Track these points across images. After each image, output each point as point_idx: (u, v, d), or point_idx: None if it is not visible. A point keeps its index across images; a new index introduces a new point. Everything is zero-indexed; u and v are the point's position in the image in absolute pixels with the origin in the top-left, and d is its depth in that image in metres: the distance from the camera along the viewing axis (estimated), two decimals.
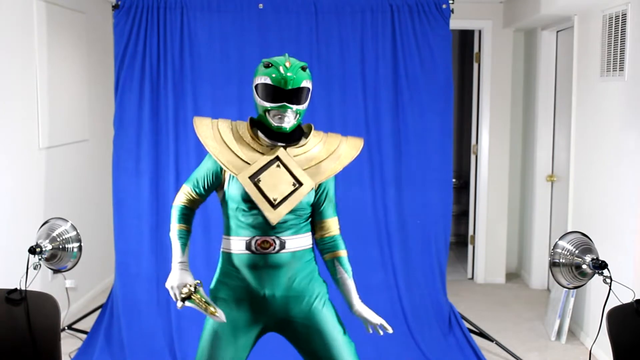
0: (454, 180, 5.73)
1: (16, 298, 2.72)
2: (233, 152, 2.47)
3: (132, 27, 4.29)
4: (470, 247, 6.06)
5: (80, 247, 2.99)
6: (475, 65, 5.88)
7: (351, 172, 4.38)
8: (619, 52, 3.97)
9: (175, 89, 4.34)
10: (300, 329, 2.51)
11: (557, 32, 5.44)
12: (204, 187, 2.55)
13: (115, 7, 4.30)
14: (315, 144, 2.56)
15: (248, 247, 2.45)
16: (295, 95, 2.42)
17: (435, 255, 4.52)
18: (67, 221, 3.02)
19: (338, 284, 2.58)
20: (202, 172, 2.56)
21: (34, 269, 2.79)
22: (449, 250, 4.62)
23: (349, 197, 4.26)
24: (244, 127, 2.54)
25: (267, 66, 2.43)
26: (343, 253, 2.60)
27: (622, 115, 3.98)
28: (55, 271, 3.27)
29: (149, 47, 4.32)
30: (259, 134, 2.51)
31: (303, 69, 2.44)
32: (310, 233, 2.57)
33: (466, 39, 7.01)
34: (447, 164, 4.54)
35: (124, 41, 4.29)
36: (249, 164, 2.44)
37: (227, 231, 2.51)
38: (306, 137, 2.54)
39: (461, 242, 7.19)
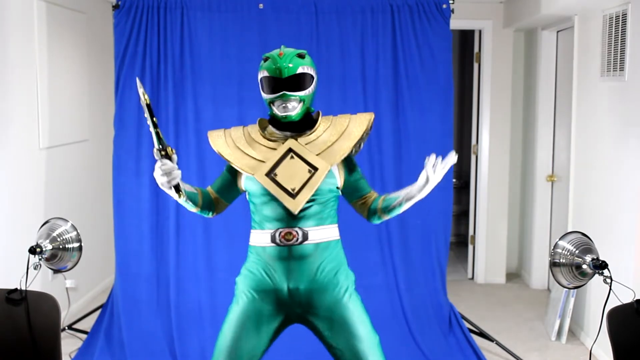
0: (454, 180, 5.73)
1: (16, 298, 2.73)
2: (247, 154, 2.53)
3: (132, 27, 4.29)
4: (470, 247, 6.06)
5: (80, 247, 2.99)
6: (476, 65, 5.88)
7: None
8: (619, 52, 3.97)
9: (175, 89, 4.34)
10: (323, 322, 2.52)
11: (558, 32, 5.44)
12: (222, 192, 2.63)
13: (115, 7, 4.30)
14: (325, 128, 2.60)
15: (273, 239, 2.49)
16: (293, 83, 2.47)
17: (436, 255, 4.52)
18: (67, 221, 3.02)
19: (402, 201, 2.53)
20: (220, 180, 2.64)
21: (34, 269, 2.80)
22: (449, 250, 4.62)
23: None
24: (254, 127, 2.62)
25: (265, 60, 2.51)
26: (383, 196, 2.61)
27: (622, 115, 3.98)
28: (56, 271, 3.27)
29: (149, 47, 4.32)
30: (270, 128, 2.58)
31: (300, 56, 2.50)
32: (336, 225, 2.59)
33: (466, 39, 7.01)
34: None
35: (124, 41, 4.29)
36: (261, 161, 2.50)
37: (254, 225, 2.57)
38: (315, 124, 2.59)
39: (461, 242, 7.19)
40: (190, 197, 2.50)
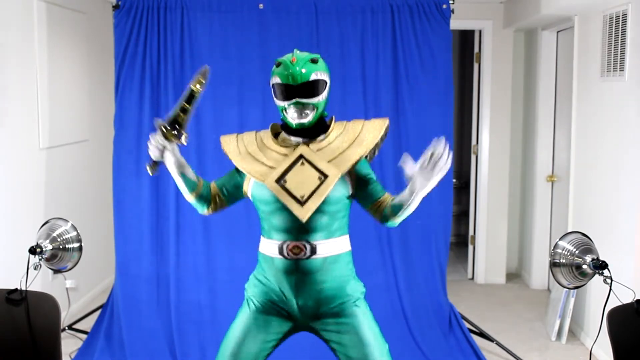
0: (454, 180, 5.73)
1: (16, 298, 2.73)
2: (258, 160, 2.48)
3: (132, 27, 4.29)
4: (470, 247, 6.06)
5: (80, 247, 2.99)
6: (476, 66, 5.88)
7: None
8: (619, 52, 3.97)
9: (175, 89, 4.33)
10: (332, 331, 2.47)
11: (558, 32, 5.44)
12: (225, 191, 2.56)
13: (115, 7, 4.30)
14: (338, 134, 2.53)
15: (280, 251, 2.43)
16: (306, 89, 2.40)
17: (436, 255, 4.51)
18: (67, 221, 3.02)
19: (406, 196, 2.47)
20: (226, 179, 2.58)
21: (34, 269, 2.80)
22: (449, 250, 4.62)
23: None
24: (267, 132, 2.57)
25: (277, 65, 2.44)
26: (392, 198, 2.52)
27: (622, 115, 3.98)
28: (56, 271, 3.27)
29: (149, 47, 4.32)
30: (283, 134, 2.53)
31: (313, 61, 2.42)
32: (346, 235, 2.52)
33: (466, 39, 7.01)
34: None
35: (124, 41, 4.29)
36: (272, 167, 2.44)
37: (262, 232, 2.51)
38: (327, 130, 2.53)
39: (461, 242, 7.19)
40: (189, 182, 2.45)
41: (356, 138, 2.52)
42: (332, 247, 2.45)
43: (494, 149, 5.83)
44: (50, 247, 2.91)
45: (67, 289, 4.40)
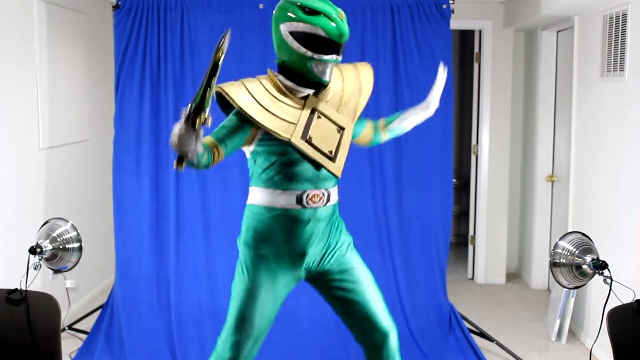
0: (454, 180, 5.73)
1: (16, 298, 2.72)
2: (273, 114, 2.35)
3: (132, 27, 4.29)
4: (470, 247, 6.06)
5: (80, 247, 2.99)
6: (476, 66, 5.87)
7: (351, 172, 4.36)
8: (619, 52, 3.97)
9: (175, 89, 4.34)
10: (336, 277, 2.49)
11: (558, 32, 5.44)
12: (226, 142, 2.34)
13: (115, 7, 4.30)
14: (335, 80, 2.52)
15: (299, 201, 2.39)
16: (341, 48, 2.37)
17: (436, 255, 4.51)
18: (67, 221, 3.02)
19: (405, 125, 2.77)
20: (227, 132, 2.34)
21: (34, 269, 2.80)
22: (449, 250, 4.62)
23: (349, 197, 4.26)
24: (269, 82, 2.44)
25: (311, 13, 2.31)
26: (382, 120, 2.73)
27: (622, 115, 3.98)
28: (56, 271, 3.27)
29: (149, 47, 4.32)
30: (293, 86, 2.41)
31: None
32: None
33: (466, 39, 7.01)
34: (448, 164, 4.53)
35: (124, 41, 4.29)
36: (291, 122, 2.36)
37: (270, 184, 2.40)
38: None
39: (461, 242, 7.19)
40: (200, 156, 2.21)
41: (354, 84, 2.55)
42: (336, 194, 2.51)
43: (494, 149, 5.83)
44: (50, 247, 2.91)
45: (67, 289, 4.40)
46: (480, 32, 5.79)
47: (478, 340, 4.34)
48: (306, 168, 2.39)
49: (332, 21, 2.32)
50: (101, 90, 5.32)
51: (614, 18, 4.02)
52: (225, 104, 2.47)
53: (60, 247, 2.94)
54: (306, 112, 2.38)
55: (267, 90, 2.41)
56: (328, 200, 2.44)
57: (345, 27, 2.33)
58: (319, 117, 2.40)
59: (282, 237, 2.41)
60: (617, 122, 4.04)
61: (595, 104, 4.36)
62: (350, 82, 2.54)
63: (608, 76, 4.12)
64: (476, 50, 5.85)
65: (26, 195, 4.26)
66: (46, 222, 3.02)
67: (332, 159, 2.39)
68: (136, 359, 3.99)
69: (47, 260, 2.93)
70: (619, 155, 4.01)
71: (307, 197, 2.39)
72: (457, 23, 5.07)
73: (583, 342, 4.51)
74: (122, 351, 4.05)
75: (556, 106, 5.51)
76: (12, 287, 2.76)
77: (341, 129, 2.44)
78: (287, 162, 2.38)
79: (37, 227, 3.07)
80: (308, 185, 2.39)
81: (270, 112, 2.35)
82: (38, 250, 2.84)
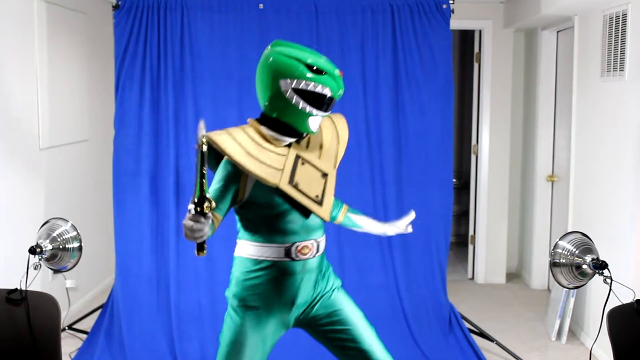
0: (454, 180, 5.73)
1: (16, 298, 2.73)
2: (261, 161, 2.32)
3: (132, 27, 4.29)
4: (470, 247, 6.06)
5: (80, 247, 3.00)
6: (476, 65, 5.88)
7: (351, 172, 4.38)
8: (619, 52, 3.97)
9: (175, 89, 4.34)
10: (325, 321, 2.48)
11: (558, 32, 5.44)
12: (221, 207, 2.32)
13: (115, 7, 4.30)
14: None
15: (288, 254, 2.38)
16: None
17: (436, 255, 4.51)
18: (67, 221, 3.02)
19: (361, 224, 2.81)
20: (218, 194, 2.32)
21: (34, 269, 2.80)
22: (449, 250, 4.62)
23: (349, 197, 4.26)
24: (253, 130, 2.41)
25: (319, 72, 2.31)
26: (346, 206, 2.78)
27: (622, 115, 3.98)
28: (56, 271, 3.28)
29: (149, 47, 4.32)
30: (277, 136, 2.39)
31: None
32: None
33: (466, 39, 7.02)
34: (448, 164, 4.53)
35: (124, 41, 4.29)
36: (277, 169, 2.33)
37: (257, 238, 2.40)
38: None
39: (461, 242, 7.19)
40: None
41: (332, 132, 2.56)
42: (324, 243, 2.52)
43: (494, 149, 5.83)
44: (50, 247, 2.91)
45: (67, 289, 4.40)
46: (480, 32, 5.79)
47: (478, 340, 4.34)
48: (295, 218, 2.38)
49: (334, 79, 2.34)
50: (101, 90, 5.32)
51: (614, 18, 4.02)
52: (210, 154, 2.41)
53: (60, 247, 2.94)
54: (291, 159, 2.38)
55: (251, 138, 2.38)
56: (317, 250, 2.45)
57: (343, 85, 2.38)
58: (303, 163, 2.40)
59: (271, 289, 2.41)
60: (617, 122, 4.04)
61: (595, 104, 4.36)
62: (328, 130, 2.55)
63: (608, 76, 4.12)
64: (476, 50, 5.85)
65: (26, 195, 4.27)
66: (46, 222, 3.02)
67: (320, 203, 2.39)
68: (136, 359, 3.99)
69: (47, 260, 2.93)
70: (619, 155, 4.01)
71: (296, 250, 2.39)
72: (457, 23, 5.07)
73: (583, 342, 4.51)
74: (122, 351, 4.05)
75: (556, 106, 5.51)
76: (12, 287, 2.76)
77: (325, 174, 2.44)
78: (275, 215, 2.37)
79: (37, 227, 3.07)
80: (296, 237, 2.39)
81: (257, 159, 2.33)
82: (38, 250, 2.84)
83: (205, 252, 2.20)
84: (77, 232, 3.00)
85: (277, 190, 2.34)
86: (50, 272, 4.43)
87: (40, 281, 4.20)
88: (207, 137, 2.29)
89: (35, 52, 4.32)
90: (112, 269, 5.20)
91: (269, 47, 2.41)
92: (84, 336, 4.31)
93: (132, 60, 4.31)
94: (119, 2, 4.29)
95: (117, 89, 4.34)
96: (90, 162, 5.17)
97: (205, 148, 2.03)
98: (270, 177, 2.31)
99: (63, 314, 3.32)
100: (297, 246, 2.39)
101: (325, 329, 2.50)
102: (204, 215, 2.07)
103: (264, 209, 2.37)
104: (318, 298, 2.49)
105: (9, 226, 4.04)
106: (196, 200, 2.07)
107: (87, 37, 5.11)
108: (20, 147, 4.19)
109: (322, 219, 2.41)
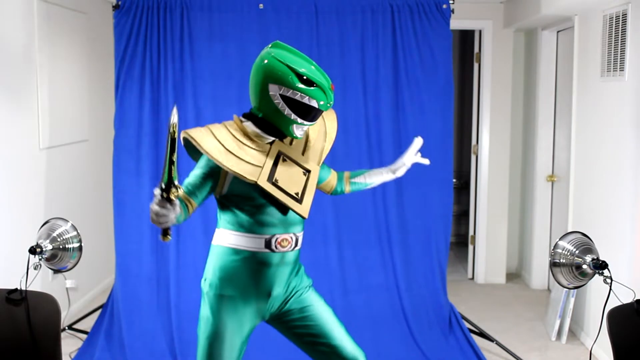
0: (454, 180, 5.73)
1: (16, 298, 2.73)
2: (240, 158, 2.36)
3: (132, 27, 4.29)
4: (470, 247, 6.06)
5: (80, 247, 2.99)
6: (476, 65, 5.88)
7: None
8: (619, 52, 3.97)
9: (175, 89, 4.34)
10: (296, 316, 2.52)
11: (558, 32, 5.44)
12: (197, 194, 2.38)
13: (115, 7, 4.30)
14: None
15: (267, 245, 2.42)
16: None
17: (436, 255, 4.52)
18: (67, 221, 3.02)
19: (370, 181, 2.84)
20: (196, 183, 2.38)
21: (34, 269, 2.80)
22: (449, 250, 4.62)
23: (349, 197, 4.27)
24: (235, 127, 2.45)
25: (308, 84, 2.34)
26: (347, 174, 2.82)
27: (622, 115, 3.98)
28: (56, 271, 3.28)
29: (149, 47, 4.32)
30: (261, 133, 2.44)
31: None
32: None
33: (466, 39, 7.02)
34: (448, 164, 4.54)
35: (124, 41, 4.29)
36: (257, 165, 2.38)
37: (238, 227, 2.43)
38: None
39: (461, 242, 7.20)
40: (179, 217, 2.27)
41: (318, 129, 2.59)
42: (301, 239, 2.54)
43: (494, 149, 5.83)
44: (50, 247, 2.91)
45: (67, 289, 4.40)
46: (480, 32, 5.79)
47: (478, 340, 4.35)
48: (273, 213, 2.42)
49: (325, 93, 2.36)
50: (101, 90, 5.32)
51: (614, 18, 4.02)
52: (192, 149, 2.48)
53: (60, 247, 2.94)
54: (272, 156, 2.42)
55: (233, 135, 2.42)
56: (296, 245, 2.48)
57: (333, 98, 2.40)
58: (284, 160, 2.44)
59: (249, 278, 2.44)
60: (617, 122, 4.04)
61: (595, 104, 4.36)
62: (315, 126, 2.58)
63: (608, 76, 4.12)
64: (476, 50, 5.85)
65: (26, 195, 4.27)
66: (46, 222, 3.02)
67: (299, 200, 2.42)
68: (136, 359, 3.99)
69: (47, 260, 2.93)
70: (619, 155, 4.01)
71: (275, 242, 2.42)
72: (457, 23, 5.07)
73: (583, 342, 4.51)
74: (122, 351, 4.05)
75: (556, 106, 5.51)
76: (12, 287, 2.76)
77: (307, 171, 2.48)
78: (254, 207, 2.40)
79: (37, 227, 3.07)
80: (275, 229, 2.43)
81: (236, 156, 2.36)
82: (38, 250, 2.84)
83: (169, 237, 2.20)
84: (77, 232, 2.99)
85: (256, 187, 2.37)
86: (50, 272, 4.43)
87: (40, 281, 4.20)
88: (185, 133, 2.39)
89: (35, 52, 4.32)
90: (112, 269, 5.20)
91: (268, 47, 2.44)
92: (84, 336, 4.31)
93: (132, 60, 4.31)
94: (119, 2, 4.29)
95: (117, 89, 4.34)
96: (90, 162, 5.17)
97: (176, 135, 2.05)
98: (249, 174, 2.35)
99: (63, 314, 3.32)
100: (277, 238, 2.43)
101: (296, 324, 2.53)
102: (170, 201, 2.08)
103: (244, 200, 2.41)
104: (292, 293, 2.53)
105: (9, 226, 4.04)
106: (163, 185, 2.08)
107: (87, 37, 5.11)
108: (21, 147, 4.19)
109: (300, 216, 2.44)
